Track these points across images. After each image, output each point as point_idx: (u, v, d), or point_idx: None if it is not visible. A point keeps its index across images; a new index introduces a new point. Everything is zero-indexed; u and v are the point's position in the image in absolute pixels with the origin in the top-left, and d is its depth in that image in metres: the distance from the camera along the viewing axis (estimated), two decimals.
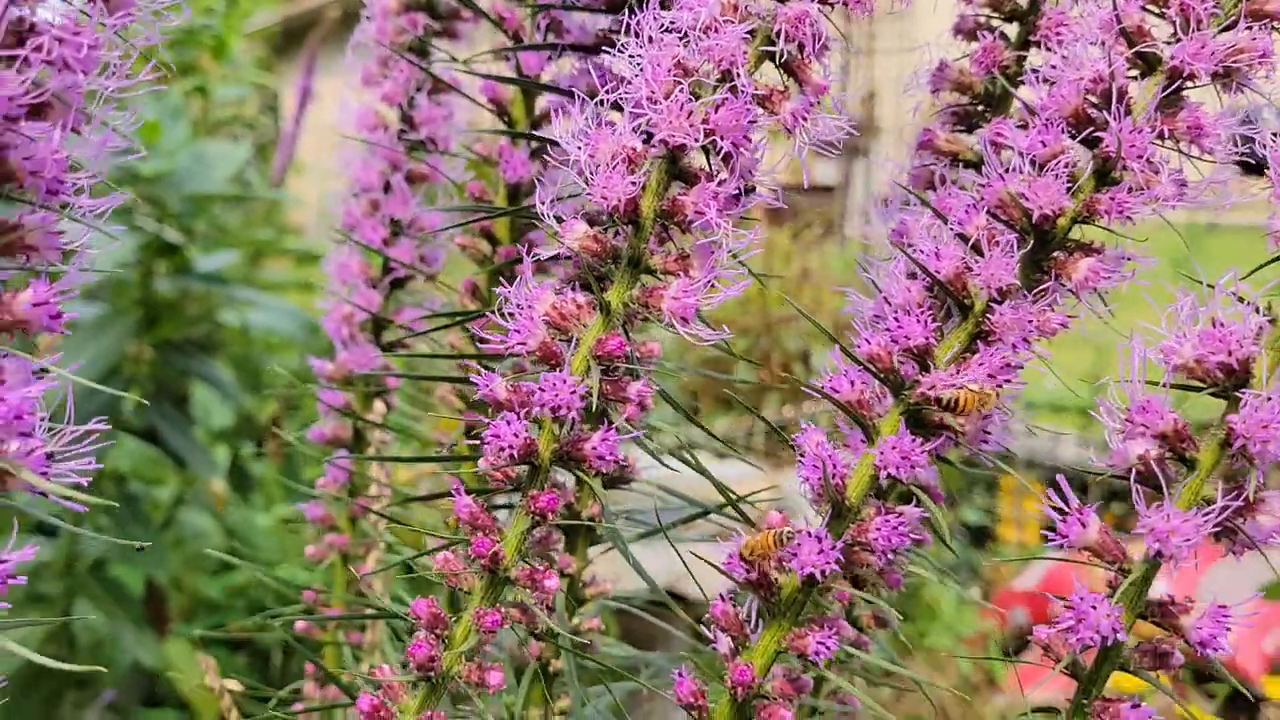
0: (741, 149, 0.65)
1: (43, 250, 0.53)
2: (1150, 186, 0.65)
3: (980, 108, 0.82)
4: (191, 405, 2.83)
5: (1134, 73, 0.68)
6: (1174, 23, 0.65)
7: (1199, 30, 0.65)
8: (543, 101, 0.97)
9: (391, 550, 1.03)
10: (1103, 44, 0.68)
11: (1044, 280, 0.67)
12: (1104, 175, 0.66)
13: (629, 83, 0.65)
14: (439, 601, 0.66)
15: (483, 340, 0.66)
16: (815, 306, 3.75)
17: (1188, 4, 0.65)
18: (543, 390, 0.63)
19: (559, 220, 0.66)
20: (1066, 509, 0.64)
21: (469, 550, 0.64)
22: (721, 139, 0.63)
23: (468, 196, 0.97)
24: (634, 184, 0.64)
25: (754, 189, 0.68)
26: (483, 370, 0.66)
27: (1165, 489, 0.61)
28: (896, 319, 0.67)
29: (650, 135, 0.65)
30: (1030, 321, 0.66)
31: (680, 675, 0.69)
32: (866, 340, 0.69)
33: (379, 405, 1.08)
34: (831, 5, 0.66)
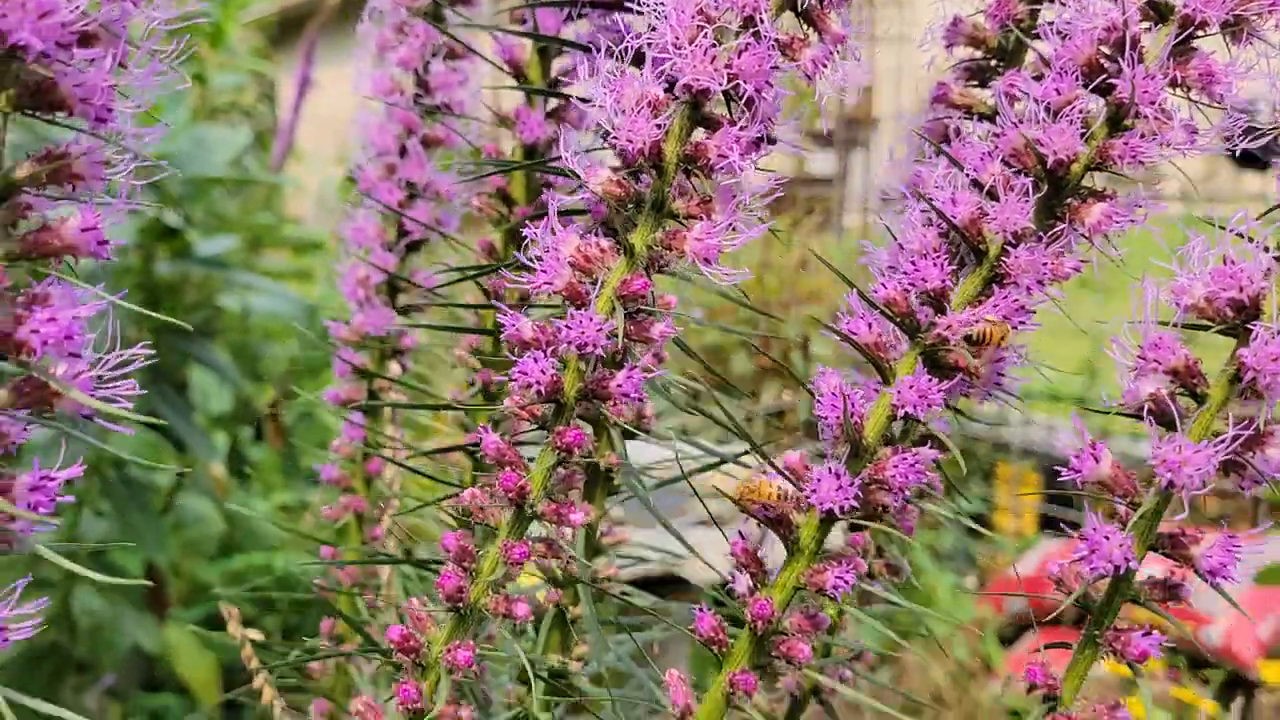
0: (763, 94, 0.66)
1: (89, 179, 0.55)
2: (1163, 132, 0.67)
3: (994, 62, 0.83)
4: (191, 390, 2.84)
5: (1146, 24, 0.70)
6: None
7: None
8: (559, 65, 0.98)
9: (408, 508, 1.05)
10: None
11: (1057, 226, 0.69)
12: (1117, 122, 0.68)
13: (652, 30, 0.67)
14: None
15: (512, 283, 0.67)
16: (813, 296, 3.77)
17: None
18: (569, 328, 0.65)
19: (584, 166, 0.68)
20: (1081, 445, 0.66)
21: (496, 485, 0.66)
22: (745, 83, 0.65)
23: (485, 157, 0.99)
24: (659, 127, 0.65)
25: (774, 139, 0.69)
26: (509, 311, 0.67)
27: (1178, 423, 0.63)
28: (913, 263, 0.69)
29: (672, 84, 0.66)
30: (1045, 264, 0.67)
31: (701, 611, 0.71)
32: (883, 285, 0.70)
33: (394, 366, 1.09)
34: None
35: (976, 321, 0.67)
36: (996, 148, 0.70)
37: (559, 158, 0.68)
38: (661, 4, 0.66)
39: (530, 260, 0.67)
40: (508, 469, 0.66)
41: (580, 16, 0.90)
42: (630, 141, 0.66)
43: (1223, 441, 0.60)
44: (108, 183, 0.56)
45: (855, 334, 0.70)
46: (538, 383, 0.65)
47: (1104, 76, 0.68)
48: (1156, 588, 0.66)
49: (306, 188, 4.24)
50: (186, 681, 2.50)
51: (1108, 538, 0.62)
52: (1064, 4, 0.69)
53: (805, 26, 0.69)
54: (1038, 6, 0.80)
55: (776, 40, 0.67)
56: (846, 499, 0.67)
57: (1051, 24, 0.71)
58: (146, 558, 2.51)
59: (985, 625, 3.44)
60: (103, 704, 2.56)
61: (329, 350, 1.11)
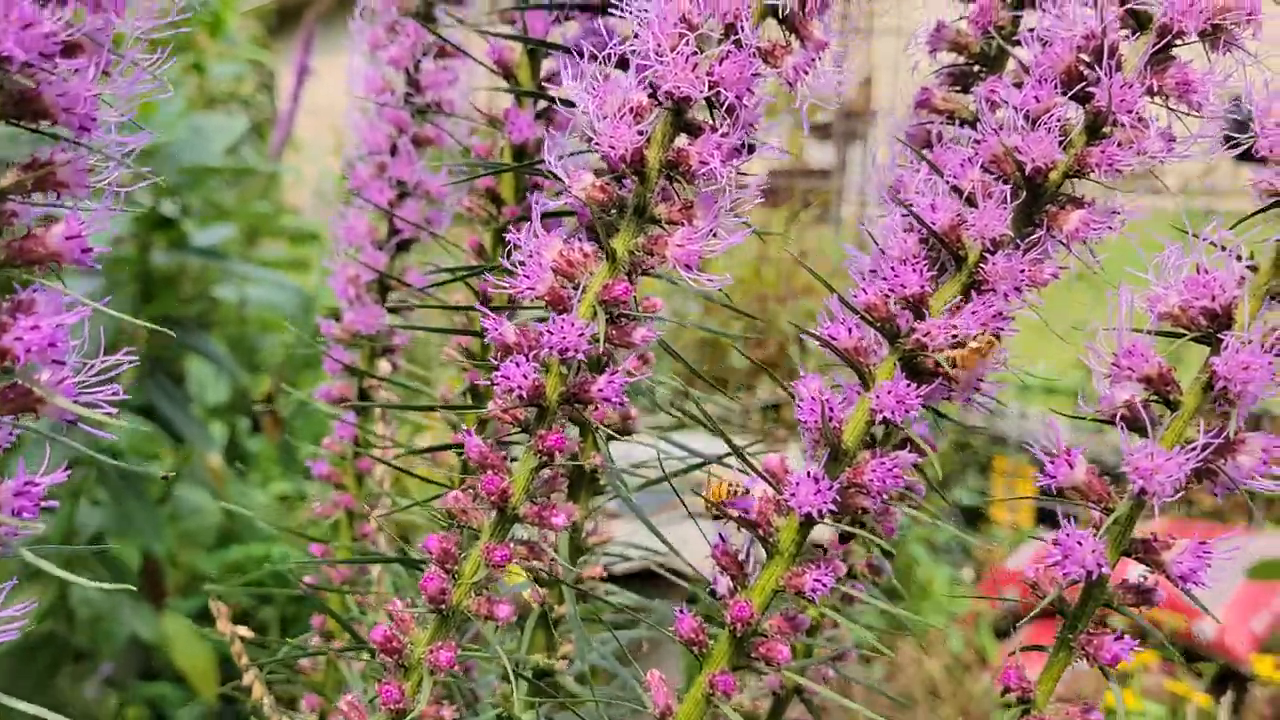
0: (744, 101, 0.67)
1: (73, 187, 0.55)
2: (1140, 141, 0.67)
3: (976, 68, 0.84)
4: (188, 381, 2.85)
5: (1125, 31, 0.70)
6: None
7: None
8: (548, 66, 0.99)
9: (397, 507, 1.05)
10: (1095, 3, 0.70)
11: (1036, 232, 0.69)
12: (1095, 130, 0.68)
13: (636, 37, 0.67)
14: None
15: (495, 288, 0.68)
16: (810, 289, 3.77)
17: None
18: (550, 333, 0.65)
19: (567, 171, 0.69)
20: (1054, 451, 0.67)
21: (478, 488, 0.67)
22: (726, 91, 0.65)
23: (474, 157, 0.99)
24: (640, 134, 0.66)
25: (754, 147, 0.70)
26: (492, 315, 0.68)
27: (1150, 430, 0.63)
28: (893, 269, 0.70)
29: (655, 89, 0.67)
30: (1023, 271, 0.68)
31: (681, 613, 0.72)
32: (864, 290, 0.71)
33: (384, 365, 1.10)
34: None
35: (955, 329, 0.67)
36: (977, 154, 0.71)
37: (545, 161, 0.69)
38: (645, 10, 0.67)
39: (514, 265, 0.68)
40: (490, 472, 0.67)
41: (569, 19, 0.91)
42: (613, 148, 0.66)
43: (1194, 449, 0.61)
44: (92, 189, 0.56)
45: (835, 339, 0.71)
46: (519, 387, 0.66)
47: (1083, 85, 0.68)
48: (1130, 592, 0.67)
49: (304, 177, 4.25)
50: (184, 671, 2.51)
51: (1080, 543, 0.63)
52: (1045, 11, 0.70)
53: (788, 33, 0.70)
54: (1019, 14, 0.80)
55: (758, 48, 0.67)
56: (825, 503, 0.67)
57: (1033, 30, 0.71)
58: (144, 547, 2.52)
59: (980, 618, 3.46)
60: (101, 693, 2.57)
61: (321, 349, 1.12)
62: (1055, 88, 0.69)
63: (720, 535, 0.72)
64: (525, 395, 0.66)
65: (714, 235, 0.67)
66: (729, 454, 0.84)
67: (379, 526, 1.03)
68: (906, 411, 0.68)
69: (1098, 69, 0.68)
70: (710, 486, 0.69)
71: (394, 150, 1.11)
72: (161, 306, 2.51)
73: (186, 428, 2.54)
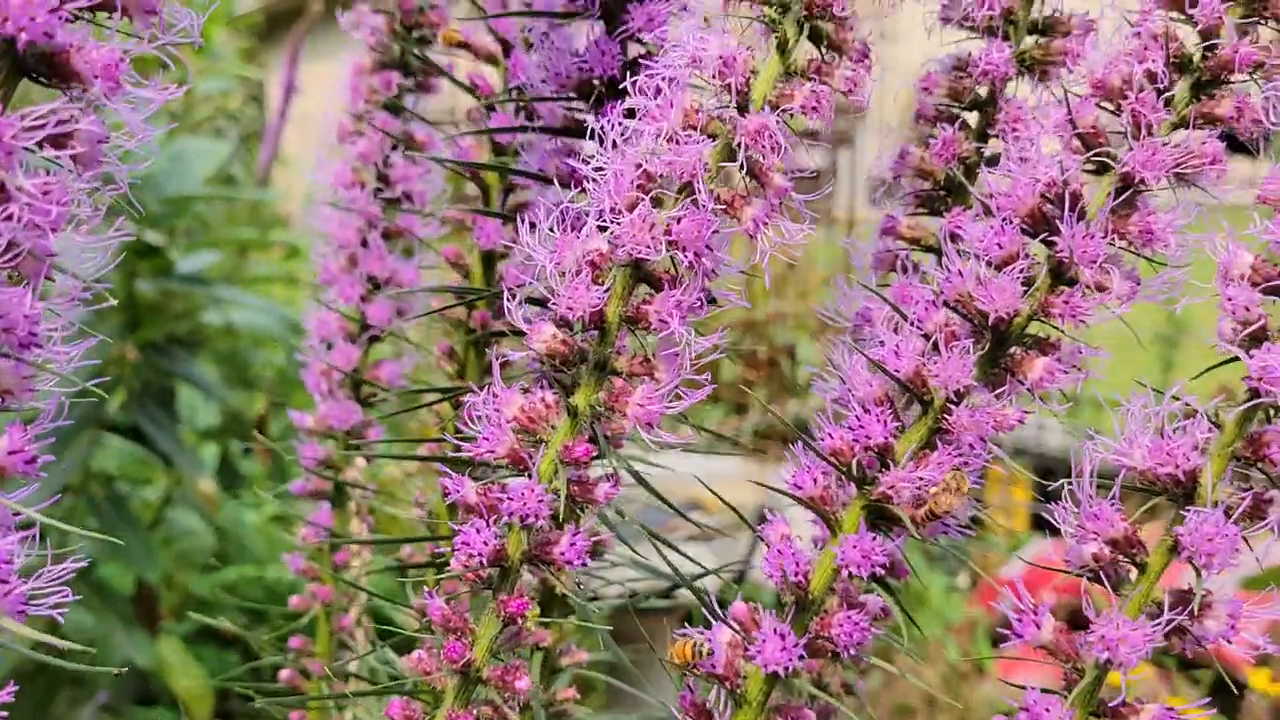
0: (703, 258, 0.66)
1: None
2: (1105, 289, 0.66)
3: (943, 193, 0.83)
4: (178, 405, 2.84)
5: (1090, 167, 0.69)
6: (1125, 128, 0.66)
7: (1149, 136, 0.66)
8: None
9: (373, 612, 1.05)
10: (1060, 137, 0.70)
11: (1002, 376, 0.69)
12: (1059, 275, 0.68)
13: (594, 183, 0.67)
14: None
15: (455, 449, 0.67)
16: (802, 297, 3.77)
17: (1138, 111, 0.66)
18: (511, 499, 0.65)
19: (528, 322, 0.68)
20: (1023, 608, 0.66)
21: (442, 654, 0.66)
22: (684, 251, 0.65)
23: (442, 257, 0.98)
24: (599, 297, 0.65)
25: (714, 299, 0.69)
26: (453, 475, 0.67)
27: (1114, 593, 0.63)
28: (859, 418, 0.69)
29: (614, 247, 0.66)
30: (988, 422, 0.67)
31: None
32: (829, 435, 0.70)
33: (359, 461, 1.10)
34: (791, 114, 0.67)
35: (921, 481, 0.67)
36: (942, 293, 0.70)
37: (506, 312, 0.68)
38: (601, 170, 0.66)
39: (472, 424, 0.67)
40: (453, 637, 0.66)
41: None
42: (570, 309, 0.65)
43: (1159, 623, 0.60)
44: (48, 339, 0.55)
45: (800, 489, 0.70)
46: (479, 553, 0.65)
47: (1047, 230, 0.67)
48: None
49: (293, 191, 4.23)
50: (180, 695, 2.52)
51: (1048, 709, 0.63)
52: (1007, 155, 0.69)
53: (748, 179, 0.69)
54: (983, 145, 0.80)
55: (718, 198, 0.66)
56: (790, 660, 0.67)
57: (994, 168, 0.71)
58: (137, 572, 2.52)
59: (976, 626, 3.46)
60: (97, 719, 2.58)
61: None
62: (1019, 230, 0.68)
63: (688, 686, 0.72)
64: (486, 561, 0.65)
65: (677, 396, 0.67)
66: (705, 574, 0.84)
67: (357, 621, 1.02)
68: (872, 566, 0.67)
69: (1061, 209, 0.67)
70: (674, 647, 0.69)
71: (365, 243, 1.10)
72: (149, 333, 2.51)
73: (175, 453, 2.54)
